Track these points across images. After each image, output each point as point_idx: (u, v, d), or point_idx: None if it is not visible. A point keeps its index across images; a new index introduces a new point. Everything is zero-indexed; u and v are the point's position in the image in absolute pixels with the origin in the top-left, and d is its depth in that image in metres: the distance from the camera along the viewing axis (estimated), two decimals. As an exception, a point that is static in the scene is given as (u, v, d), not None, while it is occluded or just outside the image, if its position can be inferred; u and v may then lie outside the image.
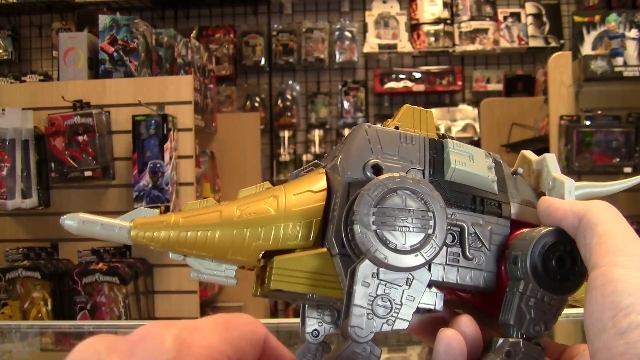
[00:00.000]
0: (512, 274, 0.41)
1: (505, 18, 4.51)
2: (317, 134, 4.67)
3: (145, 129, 2.27)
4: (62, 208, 2.41)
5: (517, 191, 0.45)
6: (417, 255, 0.37)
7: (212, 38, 4.69)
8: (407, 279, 0.38)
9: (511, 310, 0.40)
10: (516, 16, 4.53)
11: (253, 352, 0.35)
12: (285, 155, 4.64)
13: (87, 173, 2.26)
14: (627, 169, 2.50)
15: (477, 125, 4.43)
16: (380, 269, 0.37)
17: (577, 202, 0.42)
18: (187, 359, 0.29)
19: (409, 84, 4.57)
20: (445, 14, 4.54)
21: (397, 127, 0.44)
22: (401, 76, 4.60)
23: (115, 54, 2.39)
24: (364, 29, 4.61)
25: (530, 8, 4.51)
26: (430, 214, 0.38)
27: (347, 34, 4.62)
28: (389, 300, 0.37)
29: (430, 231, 0.38)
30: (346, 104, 4.64)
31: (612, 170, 2.54)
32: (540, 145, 3.03)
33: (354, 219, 0.37)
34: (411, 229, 0.38)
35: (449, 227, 0.40)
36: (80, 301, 2.16)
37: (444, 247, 0.41)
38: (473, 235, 0.42)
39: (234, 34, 4.73)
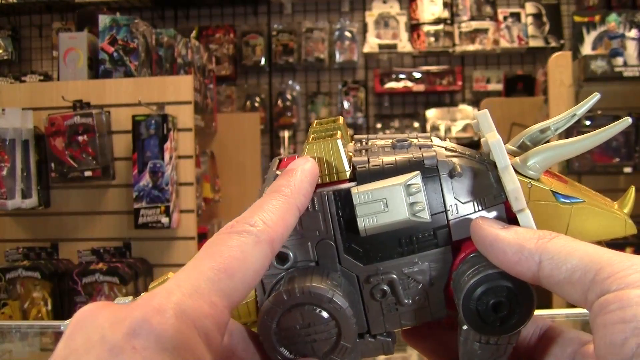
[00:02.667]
0: (458, 313, 0.38)
1: (505, 18, 4.52)
2: (317, 134, 4.66)
3: (145, 129, 2.27)
4: (62, 208, 2.41)
5: (459, 199, 0.39)
6: (330, 357, 0.37)
7: (212, 38, 4.69)
8: None
9: (461, 353, 0.38)
10: (516, 16, 4.53)
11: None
12: (285, 155, 4.63)
13: (87, 173, 2.26)
14: (627, 169, 2.50)
15: (477, 125, 4.43)
16: None
17: (525, 238, 0.35)
18: (195, 349, 0.28)
19: (409, 84, 4.57)
20: (445, 14, 4.54)
21: None
22: (401, 76, 4.60)
23: (115, 54, 2.39)
24: (364, 29, 4.61)
25: (530, 8, 4.51)
26: (332, 321, 0.37)
27: (347, 34, 4.62)
28: None
29: (336, 336, 0.37)
30: (346, 104, 4.64)
31: (612, 170, 2.54)
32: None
33: (261, 340, 0.37)
34: (316, 340, 0.37)
35: (376, 284, 0.39)
36: (80, 301, 2.16)
37: (378, 302, 0.39)
38: (407, 280, 0.39)
39: (234, 34, 4.73)
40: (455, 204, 0.39)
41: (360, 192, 0.37)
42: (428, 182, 0.39)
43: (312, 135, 0.41)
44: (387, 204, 0.37)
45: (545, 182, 0.40)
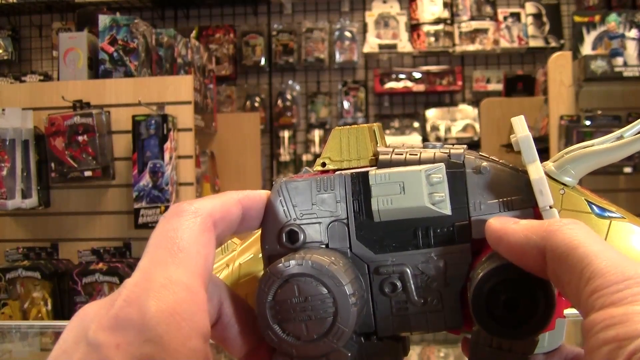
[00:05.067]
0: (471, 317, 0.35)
1: (505, 18, 4.52)
2: (317, 134, 4.67)
3: (145, 129, 2.27)
4: (62, 208, 2.41)
5: (484, 197, 0.37)
6: (325, 341, 0.35)
7: (212, 38, 4.69)
8: None
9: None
10: (516, 16, 4.53)
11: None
12: (285, 155, 4.64)
13: (87, 173, 2.26)
14: (627, 169, 2.50)
15: (477, 125, 4.43)
16: (293, 359, 0.36)
17: (532, 228, 0.33)
18: (174, 334, 0.28)
19: (409, 84, 4.57)
20: (445, 14, 4.54)
21: (324, 164, 0.39)
22: (401, 76, 4.60)
23: (115, 54, 2.39)
24: (364, 29, 4.61)
25: (530, 8, 4.51)
26: (328, 295, 0.34)
27: (347, 34, 4.62)
28: None
29: (332, 315, 0.34)
30: (346, 104, 4.65)
31: (612, 170, 2.54)
32: (540, 145, 3.03)
33: (256, 314, 0.36)
34: (311, 318, 0.35)
35: (387, 276, 0.37)
36: (80, 301, 2.16)
37: (387, 298, 0.37)
38: (420, 275, 0.37)
39: (234, 34, 4.73)
40: (480, 202, 0.37)
41: (377, 174, 0.37)
42: (452, 176, 0.37)
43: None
44: (404, 187, 0.36)
45: (581, 191, 0.38)
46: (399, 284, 0.37)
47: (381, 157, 0.38)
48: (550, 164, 0.38)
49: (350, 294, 0.34)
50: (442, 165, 0.37)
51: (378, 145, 0.40)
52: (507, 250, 0.34)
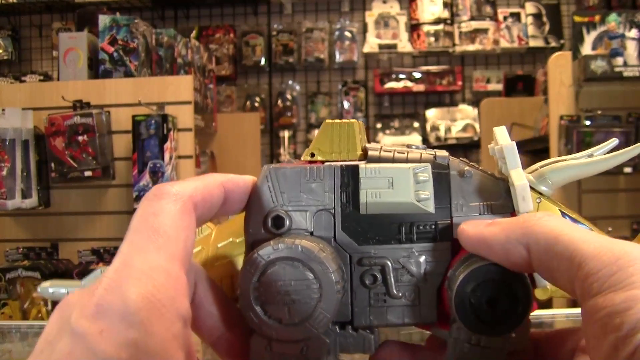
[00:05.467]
0: (450, 313, 0.36)
1: (505, 18, 4.52)
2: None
3: (145, 129, 2.27)
4: (62, 208, 2.41)
5: (465, 200, 0.38)
6: (306, 326, 0.35)
7: (212, 38, 4.69)
8: (302, 348, 0.36)
9: (449, 355, 0.37)
10: (516, 16, 4.53)
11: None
12: (285, 155, 4.64)
13: (87, 173, 2.26)
14: (627, 169, 2.50)
15: (477, 125, 4.43)
16: (272, 342, 0.36)
17: (511, 226, 0.34)
18: (156, 319, 0.28)
19: (409, 84, 4.57)
20: (445, 14, 4.54)
21: (312, 155, 0.40)
22: (401, 76, 4.60)
23: (115, 54, 2.39)
24: (364, 29, 4.61)
25: (530, 8, 4.51)
26: (313, 281, 0.35)
27: (347, 34, 4.62)
28: None
29: (316, 299, 0.35)
30: (346, 104, 4.65)
31: (612, 170, 2.53)
32: (540, 145, 3.03)
33: (238, 295, 0.36)
34: (295, 302, 0.35)
35: (368, 268, 0.38)
36: (80, 301, 2.16)
37: (367, 289, 0.38)
38: (400, 269, 0.38)
39: (234, 34, 4.73)
40: (461, 204, 0.39)
41: (368, 168, 0.38)
42: (437, 176, 0.39)
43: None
44: (392, 183, 0.38)
45: (555, 201, 0.40)
46: (379, 276, 0.38)
47: (370, 152, 0.39)
48: (529, 176, 0.40)
49: (336, 281, 0.35)
50: (428, 165, 0.38)
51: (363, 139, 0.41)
52: (488, 253, 0.34)
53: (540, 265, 0.32)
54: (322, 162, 0.39)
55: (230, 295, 0.40)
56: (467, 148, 4.50)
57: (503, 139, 0.39)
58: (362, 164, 0.38)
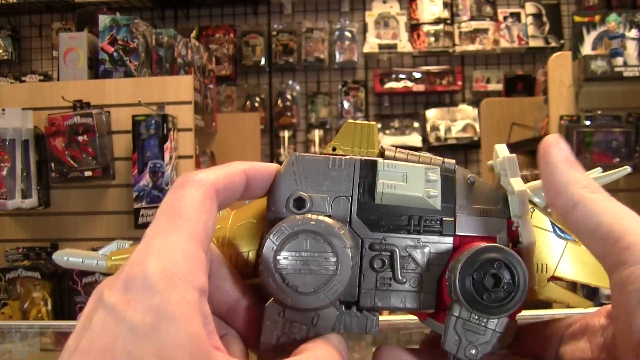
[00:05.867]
0: (449, 295, 0.40)
1: (505, 18, 4.52)
2: (317, 134, 4.67)
3: (145, 129, 2.27)
4: (62, 208, 2.41)
5: (468, 202, 0.42)
6: (320, 295, 0.38)
7: (212, 38, 4.69)
8: (313, 318, 0.39)
9: (445, 334, 0.39)
10: (516, 16, 4.53)
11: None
12: (285, 155, 4.64)
13: (87, 173, 2.26)
14: (627, 169, 2.50)
15: (477, 125, 4.43)
16: (286, 309, 0.39)
17: (573, 181, 0.38)
18: (173, 289, 0.32)
19: (409, 84, 4.57)
20: (445, 14, 4.55)
21: (334, 149, 0.44)
22: (401, 76, 4.60)
23: (115, 54, 2.39)
24: (364, 29, 4.61)
25: (530, 8, 4.51)
26: (332, 254, 0.38)
27: (347, 34, 4.63)
28: (294, 337, 0.39)
29: (332, 272, 0.38)
30: (346, 104, 4.64)
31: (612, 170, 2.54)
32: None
33: (259, 263, 0.39)
34: (313, 271, 0.38)
35: (378, 253, 0.41)
36: (80, 301, 2.16)
37: (374, 272, 0.41)
38: (406, 257, 0.41)
39: (234, 34, 4.73)
40: (464, 205, 0.42)
41: (385, 163, 0.42)
42: (444, 179, 0.42)
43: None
44: (407, 178, 0.41)
45: (547, 213, 0.43)
46: (387, 261, 0.41)
47: (387, 152, 0.44)
48: (525, 188, 0.43)
49: (352, 257, 0.38)
50: (438, 168, 0.43)
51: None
52: (549, 178, 0.39)
53: (578, 225, 0.36)
54: (343, 155, 0.43)
55: (243, 271, 0.43)
56: (467, 148, 4.50)
57: (504, 152, 0.43)
58: (380, 159, 0.42)
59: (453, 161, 0.44)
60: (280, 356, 0.36)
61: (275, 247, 0.38)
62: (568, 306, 0.42)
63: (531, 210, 0.43)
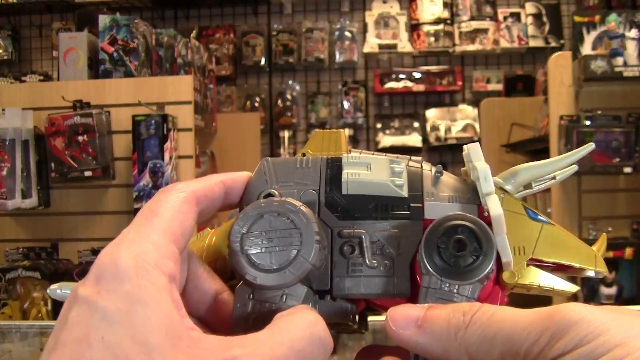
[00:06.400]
0: (420, 272, 0.40)
1: (505, 18, 4.52)
2: (317, 134, 4.67)
3: (145, 129, 2.27)
4: (62, 208, 2.41)
5: (436, 190, 0.43)
6: (286, 272, 0.38)
7: (212, 38, 4.69)
8: (282, 295, 0.39)
9: None
10: (516, 16, 4.53)
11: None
12: (285, 155, 4.64)
13: (87, 173, 2.26)
14: (627, 169, 2.50)
15: (477, 125, 4.43)
16: (255, 289, 0.39)
17: (439, 333, 0.36)
18: (142, 275, 0.33)
19: (409, 84, 4.57)
20: (445, 14, 4.55)
21: (304, 155, 0.45)
22: (401, 76, 4.60)
23: (115, 54, 2.39)
24: (364, 29, 4.61)
25: (530, 8, 4.51)
26: (296, 231, 0.39)
27: (347, 34, 4.63)
28: (265, 317, 0.39)
29: (297, 248, 0.39)
30: (346, 104, 4.65)
31: (612, 170, 2.54)
32: (540, 145, 3.03)
33: (228, 247, 0.40)
34: (277, 249, 0.39)
35: (347, 239, 0.42)
36: (80, 301, 2.16)
37: (345, 259, 0.41)
38: (377, 242, 0.42)
39: (234, 34, 4.73)
40: (433, 192, 0.43)
41: (349, 156, 0.43)
42: (411, 171, 0.44)
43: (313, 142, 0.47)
44: (370, 167, 0.43)
45: (518, 199, 0.43)
46: (357, 247, 0.42)
47: (352, 152, 0.45)
48: (496, 177, 0.44)
49: (316, 232, 0.39)
50: (403, 161, 0.44)
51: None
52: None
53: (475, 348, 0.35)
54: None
55: (224, 274, 0.44)
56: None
57: (470, 145, 0.43)
58: (345, 154, 0.44)
59: (419, 158, 0.45)
60: (253, 332, 0.35)
61: (241, 231, 0.39)
62: (553, 290, 0.41)
63: (502, 196, 0.42)
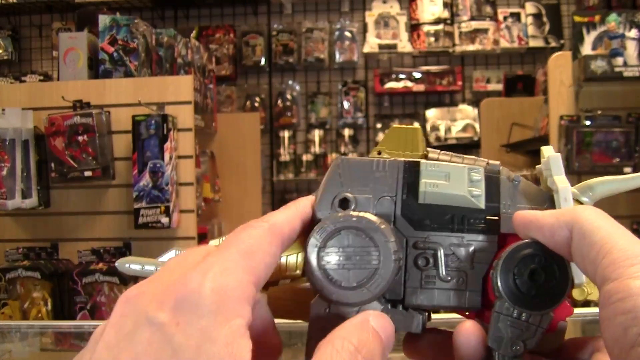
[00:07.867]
0: (493, 292, 0.40)
1: (505, 18, 4.52)
2: (317, 134, 4.67)
3: (145, 129, 2.27)
4: (62, 208, 2.41)
5: (512, 202, 0.42)
6: (364, 290, 0.39)
7: (212, 38, 4.69)
8: (358, 312, 0.39)
9: (490, 331, 0.39)
10: (516, 16, 4.53)
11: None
12: (285, 155, 4.64)
13: (87, 173, 2.26)
14: (627, 169, 2.50)
15: (477, 125, 4.43)
16: (331, 304, 0.40)
17: (559, 211, 0.38)
18: (229, 314, 0.32)
19: (409, 84, 4.57)
20: (445, 14, 4.55)
21: (379, 153, 0.45)
22: (401, 76, 4.60)
23: (115, 54, 2.39)
24: (364, 29, 4.61)
25: (530, 8, 4.51)
26: (374, 249, 0.39)
27: (347, 34, 4.63)
28: None
29: (375, 265, 0.39)
30: (346, 104, 4.65)
31: (612, 170, 2.54)
32: (540, 145, 3.02)
33: (304, 261, 0.40)
34: (355, 266, 0.39)
35: (422, 251, 0.42)
36: (80, 301, 2.16)
37: (419, 271, 0.41)
38: (451, 255, 0.42)
39: (234, 34, 4.73)
40: (509, 204, 0.42)
41: (428, 163, 0.43)
42: (488, 179, 0.43)
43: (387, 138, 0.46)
44: (449, 177, 0.42)
45: None
46: (431, 259, 0.42)
47: (430, 154, 0.45)
48: (573, 188, 0.44)
49: (395, 250, 0.39)
50: (481, 168, 0.43)
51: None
52: (538, 230, 0.38)
53: (577, 247, 0.36)
54: (387, 158, 0.44)
55: (278, 278, 0.44)
56: (467, 148, 4.50)
57: (549, 152, 0.44)
58: (423, 160, 0.43)
59: (498, 162, 0.44)
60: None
61: (318, 245, 0.39)
62: None
63: None
